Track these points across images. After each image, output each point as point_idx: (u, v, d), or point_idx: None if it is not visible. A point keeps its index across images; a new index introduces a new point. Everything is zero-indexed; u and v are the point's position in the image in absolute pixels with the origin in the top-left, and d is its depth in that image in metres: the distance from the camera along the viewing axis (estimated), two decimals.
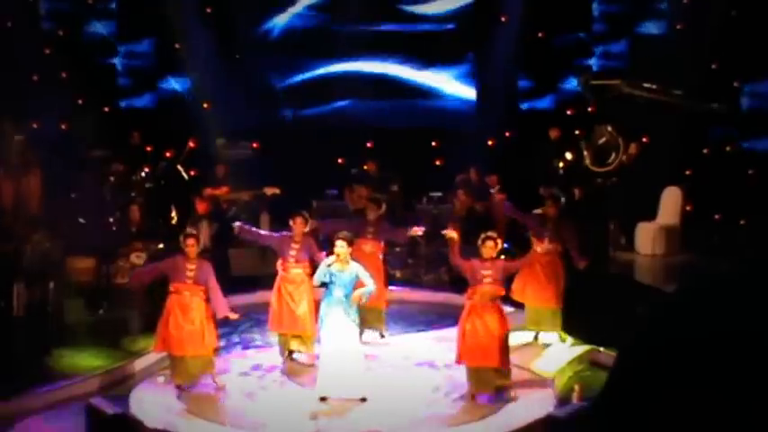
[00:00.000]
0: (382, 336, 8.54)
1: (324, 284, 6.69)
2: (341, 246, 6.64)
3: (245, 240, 8.19)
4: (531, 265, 8.16)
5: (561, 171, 11.38)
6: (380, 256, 8.59)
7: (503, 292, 7.03)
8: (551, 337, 8.36)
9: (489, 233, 6.91)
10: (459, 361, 6.84)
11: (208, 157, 11.95)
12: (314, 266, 7.17)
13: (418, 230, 8.52)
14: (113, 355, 7.70)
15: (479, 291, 6.84)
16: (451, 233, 6.97)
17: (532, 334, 8.34)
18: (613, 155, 10.80)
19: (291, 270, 7.68)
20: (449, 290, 10.15)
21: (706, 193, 11.68)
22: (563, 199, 8.39)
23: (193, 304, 6.92)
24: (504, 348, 6.89)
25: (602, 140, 10.89)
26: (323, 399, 6.72)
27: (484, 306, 6.83)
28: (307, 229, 7.66)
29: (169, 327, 6.89)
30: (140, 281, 7.30)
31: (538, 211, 9.43)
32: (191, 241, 7.06)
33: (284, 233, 7.79)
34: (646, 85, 10.73)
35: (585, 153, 10.84)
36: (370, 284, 6.72)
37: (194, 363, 6.99)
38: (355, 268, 6.66)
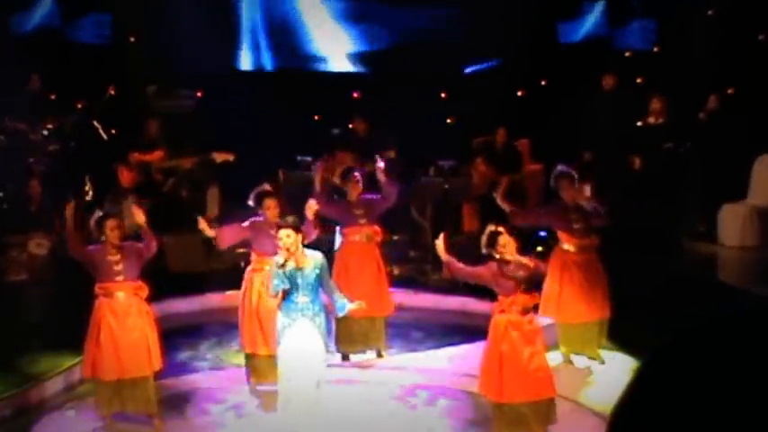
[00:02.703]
0: (380, 355, 8.51)
1: (285, 292, 6.60)
2: (285, 236, 6.54)
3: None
4: (561, 268, 8.13)
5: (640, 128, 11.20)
6: (377, 247, 8.55)
7: (538, 301, 6.97)
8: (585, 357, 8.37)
9: (493, 227, 6.78)
10: (503, 398, 6.70)
11: (135, 109, 11.82)
12: None
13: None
14: (5, 380, 7.62)
15: (516, 301, 6.73)
16: (441, 249, 6.80)
17: (560, 354, 8.33)
18: None
19: (266, 267, 7.54)
20: (464, 292, 10.01)
21: None
22: (576, 176, 8.21)
23: (131, 308, 6.90)
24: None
25: None
26: None
27: (522, 320, 6.72)
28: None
29: (100, 342, 6.80)
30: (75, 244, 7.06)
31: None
32: (111, 224, 6.94)
33: (254, 219, 7.74)
34: None
35: None
36: (337, 299, 6.65)
37: (133, 387, 6.90)
38: (319, 261, 6.61)
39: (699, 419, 1.42)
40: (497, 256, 6.68)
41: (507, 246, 6.63)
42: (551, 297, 8.18)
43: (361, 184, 8.43)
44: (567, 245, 8.21)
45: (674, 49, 12.32)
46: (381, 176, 8.50)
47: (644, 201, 10.82)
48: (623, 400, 1.52)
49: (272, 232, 7.49)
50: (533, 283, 6.82)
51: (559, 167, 8.25)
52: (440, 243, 6.85)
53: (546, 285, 8.20)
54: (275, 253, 7.39)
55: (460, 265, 6.88)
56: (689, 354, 1.49)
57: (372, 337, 8.38)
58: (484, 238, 6.71)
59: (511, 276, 6.65)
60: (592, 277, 8.22)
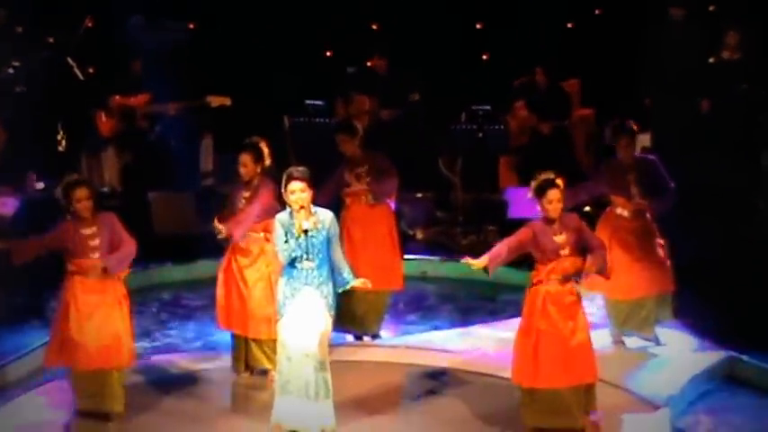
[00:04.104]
0: (375, 336, 8.54)
1: (294, 260, 6.56)
2: (299, 189, 6.44)
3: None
4: (612, 236, 8.09)
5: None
6: (389, 209, 8.55)
7: (582, 266, 6.85)
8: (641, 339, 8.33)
9: (545, 175, 6.67)
10: (538, 383, 6.68)
11: (116, 45, 11.78)
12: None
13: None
14: None
15: (557, 268, 6.71)
16: (473, 261, 6.76)
17: (611, 334, 8.34)
18: None
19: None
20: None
21: None
22: (636, 132, 8.13)
23: (106, 287, 6.95)
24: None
25: None
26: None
27: (563, 291, 6.70)
28: (262, 166, 7.62)
29: (70, 327, 6.85)
30: (23, 258, 7.19)
31: None
32: (81, 194, 6.85)
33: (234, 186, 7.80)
34: None
35: None
36: (342, 270, 6.60)
37: (109, 378, 6.96)
38: (330, 221, 6.56)
39: None
40: (540, 210, 6.63)
41: (555, 202, 6.60)
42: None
43: (356, 138, 8.34)
44: (621, 209, 8.16)
45: None
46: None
47: (714, 153, 10.71)
48: None
49: (243, 193, 7.63)
50: (579, 247, 6.77)
51: (620, 120, 8.16)
52: (470, 260, 6.76)
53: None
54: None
55: (501, 250, 6.70)
56: None
57: (368, 317, 8.41)
58: (534, 183, 6.66)
59: (551, 239, 6.63)
60: (648, 245, 8.18)
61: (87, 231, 6.88)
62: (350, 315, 8.25)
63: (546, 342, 6.64)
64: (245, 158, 7.61)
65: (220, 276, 7.77)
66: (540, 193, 6.62)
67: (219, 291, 7.77)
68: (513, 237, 6.74)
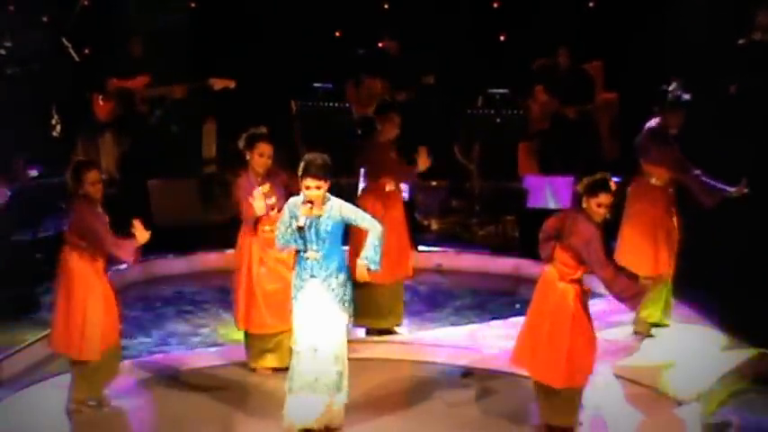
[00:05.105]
0: (393, 331, 8.53)
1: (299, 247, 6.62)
2: (313, 184, 6.44)
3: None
4: (664, 214, 8.18)
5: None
6: (403, 197, 8.58)
7: None
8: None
9: (600, 176, 6.59)
10: (569, 381, 6.67)
11: (114, 24, 11.80)
12: None
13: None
14: None
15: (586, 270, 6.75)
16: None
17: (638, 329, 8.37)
18: None
19: (266, 227, 7.51)
20: (519, 252, 10.15)
21: None
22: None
23: (99, 267, 7.06)
24: None
25: None
26: None
27: (581, 289, 6.73)
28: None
29: (99, 312, 6.96)
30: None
31: None
32: (94, 176, 6.89)
33: (241, 178, 7.64)
34: None
35: None
36: (371, 225, 6.59)
37: (108, 364, 7.10)
38: (337, 208, 6.58)
39: None
40: (586, 210, 6.53)
41: (604, 207, 6.51)
42: (646, 251, 8.16)
43: (394, 124, 8.34)
44: (657, 179, 8.21)
45: None
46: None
47: (743, 139, 10.67)
48: None
49: (258, 188, 7.42)
50: None
51: (681, 93, 8.49)
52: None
53: (637, 239, 8.19)
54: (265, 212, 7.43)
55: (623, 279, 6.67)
56: None
57: (390, 307, 8.42)
58: (586, 180, 6.56)
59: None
60: (671, 221, 8.32)
61: (106, 219, 6.93)
62: (365, 310, 8.22)
63: (581, 342, 6.64)
64: (269, 149, 7.51)
65: (255, 272, 7.57)
66: (592, 193, 6.51)
67: (259, 293, 7.58)
68: (601, 251, 6.57)
